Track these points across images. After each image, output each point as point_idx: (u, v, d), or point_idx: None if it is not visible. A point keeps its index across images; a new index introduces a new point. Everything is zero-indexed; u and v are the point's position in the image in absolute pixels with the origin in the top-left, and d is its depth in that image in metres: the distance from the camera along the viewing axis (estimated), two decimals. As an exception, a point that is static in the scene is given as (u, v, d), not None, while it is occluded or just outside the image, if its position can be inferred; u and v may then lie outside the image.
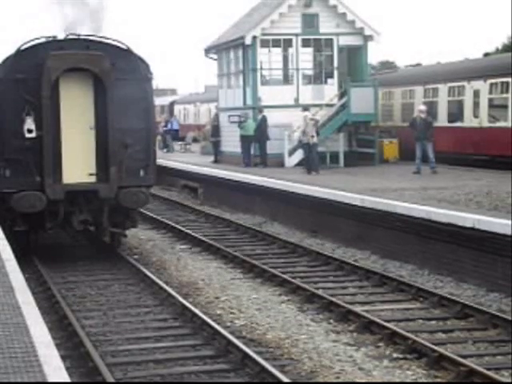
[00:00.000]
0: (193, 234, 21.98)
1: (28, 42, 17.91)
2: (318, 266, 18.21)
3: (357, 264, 17.56)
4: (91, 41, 18.29)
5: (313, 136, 27.24)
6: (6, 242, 14.11)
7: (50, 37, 18.44)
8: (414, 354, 11.45)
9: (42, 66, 17.34)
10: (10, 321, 8.98)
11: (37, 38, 18.11)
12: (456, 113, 29.18)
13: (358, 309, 13.77)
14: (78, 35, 18.56)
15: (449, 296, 14.40)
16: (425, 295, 14.70)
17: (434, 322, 13.32)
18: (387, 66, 59.14)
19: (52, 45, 17.98)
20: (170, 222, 24.28)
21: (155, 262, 18.80)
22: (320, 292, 15.04)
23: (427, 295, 14.65)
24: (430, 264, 16.99)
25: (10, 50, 17.96)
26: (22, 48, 17.78)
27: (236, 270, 17.83)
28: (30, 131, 17.36)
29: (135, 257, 19.15)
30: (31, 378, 7.04)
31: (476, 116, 27.90)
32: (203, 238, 21.16)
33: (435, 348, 11.23)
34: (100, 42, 18.29)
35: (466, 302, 13.86)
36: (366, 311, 13.66)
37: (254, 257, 18.94)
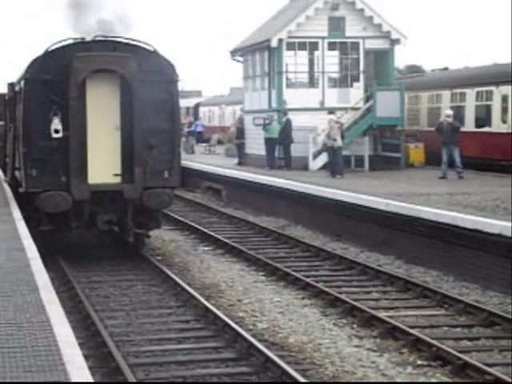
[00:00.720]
0: (216, 235, 22.01)
1: (56, 43, 18.02)
2: (341, 270, 18.18)
3: (381, 269, 17.51)
4: (118, 42, 18.38)
5: (335, 139, 27.16)
6: (31, 242, 14.21)
7: (77, 38, 18.54)
8: (438, 362, 11.39)
9: (69, 67, 17.44)
10: (35, 319, 9.05)
11: (64, 40, 18.22)
12: (484, 118, 29.01)
13: (381, 314, 13.72)
14: (105, 37, 18.64)
15: (474, 303, 14.30)
16: (450, 302, 14.62)
17: (459, 330, 13.25)
18: (414, 69, 58.86)
19: (79, 46, 18.07)
20: (193, 224, 24.33)
21: (178, 263, 18.84)
22: (343, 296, 15.01)
23: (452, 302, 14.57)
24: (455, 270, 16.90)
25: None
26: (50, 49, 17.90)
27: (259, 273, 17.83)
28: (56, 131, 17.46)
29: (158, 258, 19.21)
30: (54, 377, 7.09)
31: (504, 121, 27.73)
32: (226, 240, 21.19)
33: (460, 356, 11.16)
34: (127, 44, 18.37)
35: (492, 310, 13.76)
36: (390, 317, 13.62)
37: (276, 260, 18.93)
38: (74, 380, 7.02)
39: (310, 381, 10.46)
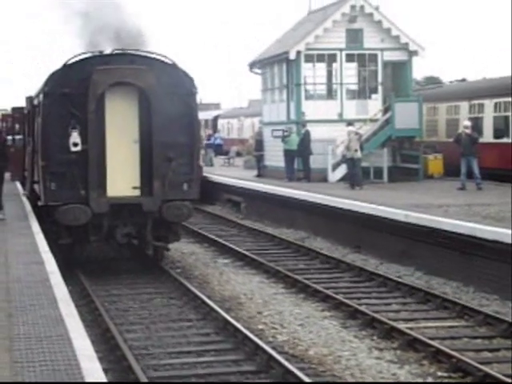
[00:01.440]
0: (235, 248, 21.96)
1: (75, 56, 18.07)
2: (361, 281, 18.08)
3: (400, 280, 17.40)
4: (136, 55, 18.40)
5: (356, 150, 27.10)
6: (50, 255, 14.21)
7: (96, 51, 18.59)
8: (458, 373, 11.30)
9: (88, 81, 17.47)
10: (54, 333, 9.02)
11: (83, 53, 18.28)
12: (502, 129, 28.87)
13: (401, 326, 13.62)
14: (124, 50, 18.68)
15: (494, 314, 14.18)
16: (470, 313, 14.50)
17: (479, 341, 13.13)
18: (432, 81, 58.79)
19: (98, 59, 18.11)
20: (212, 236, 24.29)
21: (198, 275, 18.79)
22: (363, 308, 14.91)
23: (472, 313, 14.44)
24: (474, 281, 16.77)
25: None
26: (69, 62, 17.94)
27: (278, 285, 17.76)
28: (75, 145, 17.48)
29: (178, 270, 19.17)
30: (74, 392, 7.05)
31: (522, 132, 27.58)
32: (245, 252, 21.13)
33: (481, 367, 11.06)
34: (145, 57, 18.39)
35: (512, 321, 13.64)
36: (410, 328, 13.52)
37: (296, 272, 18.86)
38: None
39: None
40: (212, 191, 33.22)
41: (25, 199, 23.64)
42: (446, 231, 17.92)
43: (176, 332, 13.73)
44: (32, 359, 8.08)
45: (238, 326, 13.42)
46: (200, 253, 22.20)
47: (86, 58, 18.13)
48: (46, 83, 17.98)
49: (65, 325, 9.36)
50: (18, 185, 28.61)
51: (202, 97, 72.39)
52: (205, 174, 33.60)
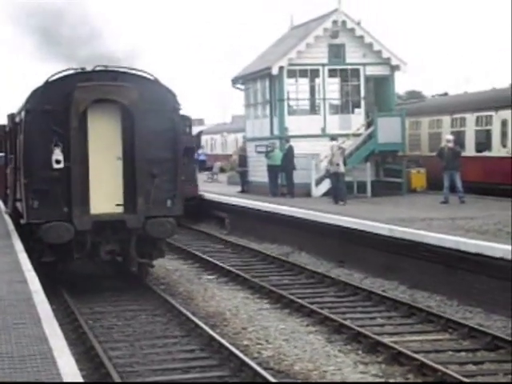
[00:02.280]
0: (220, 263, 21.94)
1: (56, 73, 18.05)
2: (345, 296, 18.09)
3: (385, 294, 17.42)
4: (119, 72, 18.39)
5: (338, 165, 27.11)
6: (33, 274, 14.13)
7: (78, 68, 18.57)
8: (443, 387, 11.29)
9: (70, 97, 17.44)
10: (37, 352, 8.97)
11: (65, 70, 18.25)
12: (484, 142, 29.02)
13: (386, 340, 13.63)
14: (106, 67, 18.67)
15: (478, 327, 14.22)
16: (454, 326, 14.53)
17: (463, 354, 13.14)
18: (414, 95, 59.03)
19: (80, 76, 18.09)
20: (196, 252, 24.27)
21: (182, 292, 18.76)
22: (348, 323, 14.92)
23: (456, 326, 14.47)
24: (458, 295, 16.81)
25: None
26: (51, 79, 17.92)
27: (263, 301, 17.75)
28: (58, 162, 17.42)
29: (162, 287, 19.13)
30: (57, 410, 7.00)
31: (504, 145, 27.72)
32: (230, 268, 21.12)
33: (465, 380, 11.08)
34: (128, 74, 18.38)
35: (496, 334, 13.68)
36: (395, 342, 13.53)
37: (281, 287, 18.85)
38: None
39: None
40: (207, 209, 33.28)
41: (7, 217, 23.53)
42: (429, 245, 17.95)
43: (161, 349, 13.68)
44: (15, 378, 8.02)
45: (223, 342, 13.39)
46: (184, 269, 22.17)
47: (68, 75, 18.11)
48: (28, 100, 17.94)
49: (48, 343, 9.31)
50: (0, 203, 28.49)
51: (185, 113, 72.35)
52: (201, 193, 33.70)
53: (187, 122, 32.56)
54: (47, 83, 17.87)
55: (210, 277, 20.92)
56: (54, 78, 17.97)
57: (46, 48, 26.88)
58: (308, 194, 30.13)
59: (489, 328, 14.30)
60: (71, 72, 18.24)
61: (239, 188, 35.16)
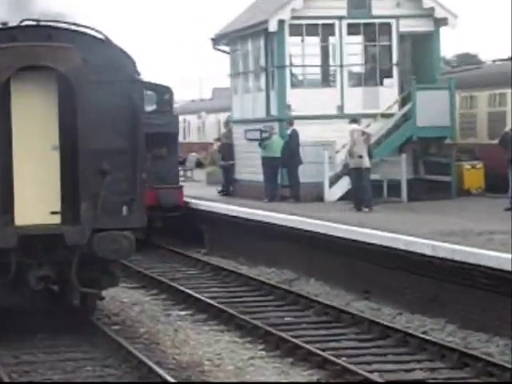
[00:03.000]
0: (196, 295, 21.99)
1: (-34, 29, 18.10)
2: (371, 340, 18.15)
3: (426, 337, 17.47)
4: (55, 28, 18.42)
5: (362, 157, 27.16)
6: None
7: (-3, 23, 18.62)
8: None
9: (-14, 64, 17.48)
10: None
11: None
12: None
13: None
14: (37, 21, 18.69)
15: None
16: (523, 381, 14.61)
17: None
18: (468, 59, 59.21)
19: (0, 34, 18.13)
20: (163, 279, 24.33)
21: (143, 334, 18.81)
22: (375, 377, 14.99)
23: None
24: (529, 337, 16.90)
25: None
26: (-42, 38, 17.96)
27: (257, 346, 17.81)
28: (-32, 154, 17.48)
29: (116, 327, 19.17)
30: None
31: None
32: (210, 301, 21.18)
33: None
34: (67, 31, 18.43)
35: None
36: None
37: (281, 327, 18.91)
38: None
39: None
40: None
41: None
42: (489, 268, 18.01)
43: (114, 414, 13.74)
44: None
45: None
46: (147, 302, 22.24)
47: (-17, 33, 18.16)
48: None
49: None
50: None
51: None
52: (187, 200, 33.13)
53: (166, 95, 32.32)
54: (-47, 43, 17.90)
55: (182, 313, 20.99)
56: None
57: None
58: (319, 198, 30.22)
59: None
60: (-13, 28, 18.29)
61: (222, 189, 35.24)
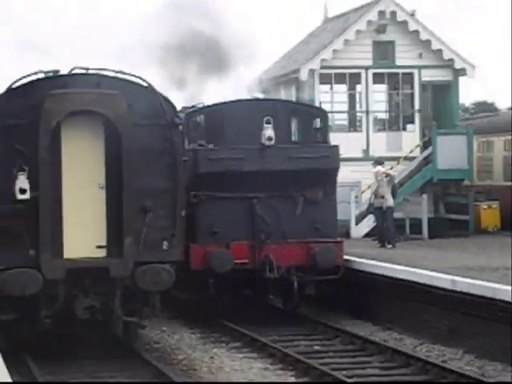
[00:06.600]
0: (229, 324, 21.87)
1: (22, 77, 18.14)
2: (394, 368, 17.99)
3: (446, 366, 17.31)
4: (103, 76, 18.50)
5: (384, 197, 27.05)
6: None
7: (50, 71, 18.67)
8: None
9: (40, 109, 17.54)
10: None
11: (34, 73, 18.34)
12: None
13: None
14: (86, 69, 18.76)
15: None
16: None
17: None
18: (485, 107, 59.12)
19: (52, 82, 18.20)
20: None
21: (182, 360, 18.72)
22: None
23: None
24: (543, 367, 16.69)
25: None
26: (15, 86, 18.01)
27: (287, 373, 17.68)
28: (22, 191, 17.49)
29: (156, 354, 19.09)
30: None
31: None
32: (243, 330, 21.05)
33: None
34: (114, 78, 18.50)
35: None
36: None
37: (310, 355, 18.78)
38: None
39: None
40: None
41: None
42: (506, 302, 17.84)
43: None
44: None
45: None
46: (184, 331, 22.13)
47: (37, 80, 18.21)
48: (-15, 113, 18.04)
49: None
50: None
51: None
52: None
53: (319, 120, 23.56)
54: (10, 91, 17.97)
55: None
56: (19, 83, 18.07)
57: None
58: (346, 235, 30.07)
59: None
60: (40, 76, 18.33)
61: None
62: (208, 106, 23.30)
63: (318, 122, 23.14)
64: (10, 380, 10.77)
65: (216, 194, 21.16)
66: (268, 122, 21.40)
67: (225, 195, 21.16)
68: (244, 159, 21.21)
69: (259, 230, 21.31)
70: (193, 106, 23.92)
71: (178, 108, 24.12)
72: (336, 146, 22.89)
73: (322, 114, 23.80)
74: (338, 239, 22.58)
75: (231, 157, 21.19)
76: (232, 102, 23.93)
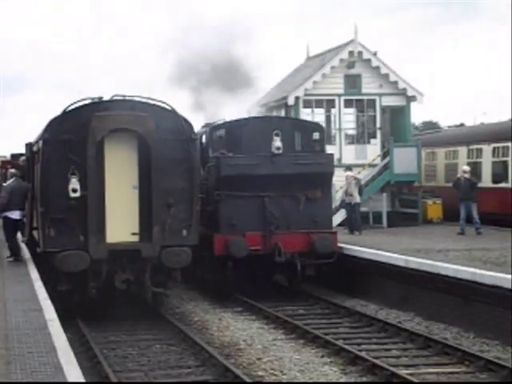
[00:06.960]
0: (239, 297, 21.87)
1: (74, 102, 18.20)
2: (360, 327, 18.02)
3: (400, 326, 17.35)
4: (136, 102, 18.54)
5: (352, 195, 27.05)
6: (49, 302, 14.17)
7: (95, 98, 18.72)
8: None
9: (88, 127, 17.59)
10: (53, 381, 8.97)
11: (83, 99, 18.41)
12: (501, 173, 28.96)
13: (402, 372, 13.56)
14: (124, 96, 18.81)
15: (495, 360, 14.12)
16: (470, 359, 14.43)
17: (480, 387, 13.06)
18: (430, 126, 59.08)
19: (97, 106, 18.25)
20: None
21: (197, 321, 18.74)
22: (363, 354, 14.85)
23: (473, 359, 14.38)
24: (475, 327, 16.72)
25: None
26: (68, 109, 18.07)
27: (278, 331, 17.70)
28: (74, 191, 17.55)
29: (177, 317, 19.11)
30: None
31: (521, 176, 27.65)
32: (245, 299, 21.07)
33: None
34: (145, 103, 18.54)
35: (514, 367, 13.57)
36: (411, 374, 13.46)
37: (296, 317, 18.80)
38: None
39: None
40: None
41: (23, 245, 23.59)
42: (446, 276, 17.88)
43: (175, 379, 13.66)
44: (30, 407, 8.03)
45: (238, 372, 13.36)
46: (199, 299, 22.14)
47: (85, 105, 18.26)
48: (46, 130, 18.10)
49: (63, 372, 9.32)
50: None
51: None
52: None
53: (318, 133, 23.33)
54: (65, 113, 18.03)
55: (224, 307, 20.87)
56: (72, 107, 18.12)
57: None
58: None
59: (506, 361, 14.20)
60: (88, 101, 18.38)
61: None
62: (228, 122, 23.24)
63: (316, 135, 23.11)
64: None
65: (234, 193, 21.04)
66: (277, 135, 21.35)
67: (241, 194, 21.03)
68: (257, 165, 21.08)
69: (269, 223, 21.17)
70: (214, 122, 23.91)
71: (202, 124, 24.37)
72: (331, 154, 22.76)
73: (320, 129, 23.72)
74: (333, 230, 22.40)
75: (247, 163, 21.06)
76: (248, 118, 24.03)
